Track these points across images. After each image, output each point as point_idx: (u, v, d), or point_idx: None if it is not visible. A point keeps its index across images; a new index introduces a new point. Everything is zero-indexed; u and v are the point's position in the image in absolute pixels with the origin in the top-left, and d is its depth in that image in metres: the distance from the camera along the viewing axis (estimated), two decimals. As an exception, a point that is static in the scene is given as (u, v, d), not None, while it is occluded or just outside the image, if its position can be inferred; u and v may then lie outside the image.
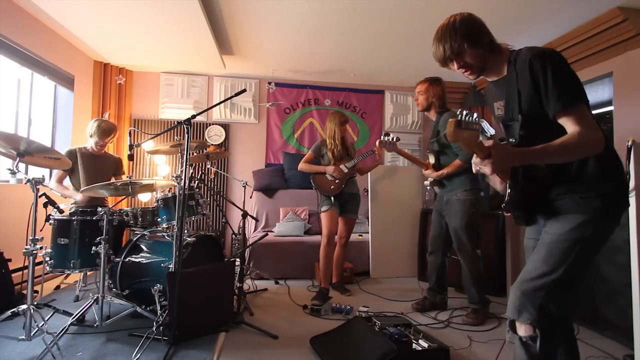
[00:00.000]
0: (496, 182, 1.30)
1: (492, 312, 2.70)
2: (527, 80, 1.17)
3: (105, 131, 2.94)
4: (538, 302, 1.15)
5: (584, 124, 1.09)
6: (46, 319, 2.03)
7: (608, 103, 3.50)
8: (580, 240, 1.15)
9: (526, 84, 1.18)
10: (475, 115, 1.05)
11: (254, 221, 4.32)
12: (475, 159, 1.11)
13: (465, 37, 1.23)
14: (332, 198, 3.07)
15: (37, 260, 2.05)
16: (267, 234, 3.11)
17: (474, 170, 1.14)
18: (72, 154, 2.92)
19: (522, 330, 1.18)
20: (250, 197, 4.61)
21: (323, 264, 3.03)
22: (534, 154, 1.11)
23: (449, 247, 2.79)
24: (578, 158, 1.15)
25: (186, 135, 2.05)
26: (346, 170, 3.08)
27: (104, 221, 2.25)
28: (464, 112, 1.04)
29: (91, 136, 2.94)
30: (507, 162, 1.12)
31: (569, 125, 1.11)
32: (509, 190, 1.26)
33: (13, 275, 2.60)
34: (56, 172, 2.92)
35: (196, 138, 4.79)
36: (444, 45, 1.26)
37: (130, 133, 2.72)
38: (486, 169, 1.09)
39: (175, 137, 2.68)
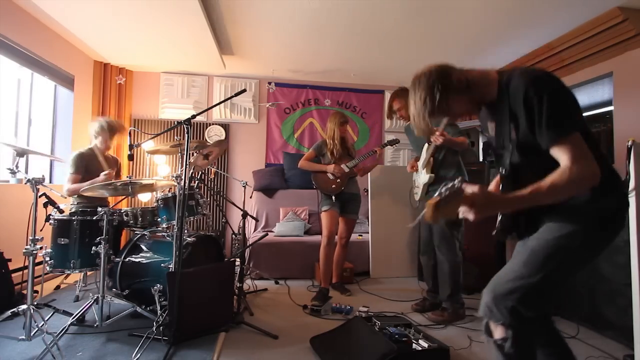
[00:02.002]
0: None
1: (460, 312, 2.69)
2: (521, 110, 1.10)
3: (115, 128, 2.98)
4: (510, 304, 1.12)
5: (577, 157, 1.02)
6: (46, 319, 2.03)
7: (608, 103, 3.50)
8: (565, 249, 1.12)
9: (519, 113, 1.11)
10: (455, 182, 1.02)
11: (254, 221, 4.32)
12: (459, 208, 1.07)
13: (435, 110, 1.18)
14: (334, 197, 3.08)
15: (37, 260, 2.06)
16: (267, 234, 3.11)
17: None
18: (82, 157, 2.88)
19: (496, 332, 1.18)
20: (250, 197, 4.61)
21: (323, 264, 3.04)
22: (523, 200, 1.05)
23: None
24: (571, 195, 1.07)
25: (186, 135, 2.05)
26: (347, 170, 3.09)
27: (104, 221, 2.24)
28: (443, 190, 1.02)
29: (97, 135, 2.93)
30: (492, 211, 1.07)
31: (562, 158, 1.05)
32: (499, 217, 1.23)
33: (13, 275, 2.60)
34: (71, 178, 2.83)
35: (196, 138, 4.79)
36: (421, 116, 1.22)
37: (130, 133, 2.72)
38: (469, 216, 1.06)
39: (175, 137, 2.68)
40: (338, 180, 3.09)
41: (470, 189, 1.05)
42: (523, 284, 1.13)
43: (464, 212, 1.06)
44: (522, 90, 1.09)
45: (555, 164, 1.06)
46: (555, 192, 1.03)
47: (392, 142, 3.39)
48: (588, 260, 1.18)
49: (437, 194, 1.02)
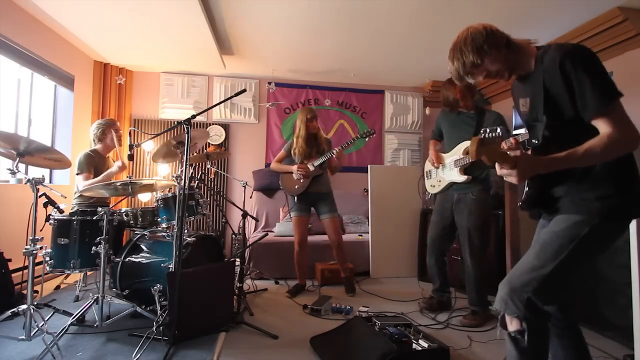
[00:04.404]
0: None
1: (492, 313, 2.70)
2: (558, 81, 1.14)
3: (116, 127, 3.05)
4: (525, 296, 1.16)
5: (617, 124, 1.08)
6: (46, 319, 2.03)
7: (608, 103, 3.50)
8: (574, 239, 1.15)
9: (556, 84, 1.15)
10: (498, 130, 1.08)
11: (254, 221, 4.32)
12: (501, 170, 1.13)
13: (477, 49, 1.22)
14: (296, 198, 3.05)
15: (37, 260, 2.06)
16: (267, 234, 3.12)
17: (498, 173, 1.15)
18: (90, 157, 2.90)
19: (512, 325, 1.20)
20: (250, 197, 4.61)
21: (297, 265, 3.17)
22: (561, 161, 1.11)
23: (449, 246, 2.80)
24: (609, 159, 1.12)
25: (186, 135, 2.05)
26: (312, 169, 2.99)
27: (104, 221, 2.24)
28: (487, 130, 1.09)
29: (105, 136, 2.95)
30: (534, 172, 1.14)
31: (602, 127, 1.09)
32: (526, 189, 1.28)
33: (13, 275, 2.60)
34: (85, 177, 2.84)
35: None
36: (457, 62, 1.26)
37: (130, 133, 2.72)
38: (513, 179, 1.11)
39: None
40: (301, 180, 3.00)
41: (513, 153, 1.11)
42: (536, 276, 1.16)
43: (508, 175, 1.12)
44: (557, 63, 1.13)
45: (582, 137, 1.10)
46: (590, 156, 1.08)
47: (367, 134, 3.09)
48: (598, 251, 1.22)
49: (481, 133, 1.09)
